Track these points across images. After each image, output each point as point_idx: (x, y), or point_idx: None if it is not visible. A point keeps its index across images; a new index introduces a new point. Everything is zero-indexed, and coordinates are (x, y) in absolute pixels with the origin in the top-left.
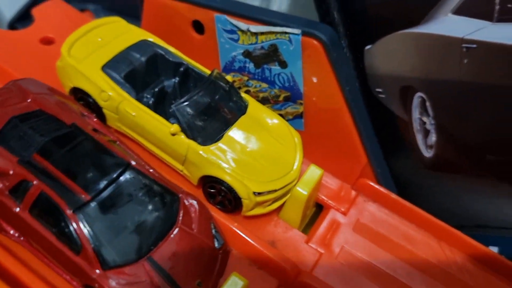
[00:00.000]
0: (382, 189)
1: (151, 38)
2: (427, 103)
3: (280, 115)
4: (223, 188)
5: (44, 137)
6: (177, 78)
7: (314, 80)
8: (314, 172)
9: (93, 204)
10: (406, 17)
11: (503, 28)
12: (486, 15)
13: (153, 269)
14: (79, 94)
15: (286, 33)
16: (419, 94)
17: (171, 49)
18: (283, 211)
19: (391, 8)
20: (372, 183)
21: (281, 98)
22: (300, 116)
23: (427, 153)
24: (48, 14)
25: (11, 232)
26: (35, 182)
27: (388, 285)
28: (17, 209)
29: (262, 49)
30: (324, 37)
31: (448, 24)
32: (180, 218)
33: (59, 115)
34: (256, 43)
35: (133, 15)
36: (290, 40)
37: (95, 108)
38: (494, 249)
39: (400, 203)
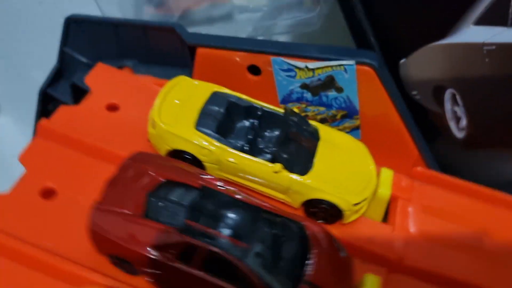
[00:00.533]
0: (432, 172)
1: (218, 89)
2: (457, 96)
3: (339, 130)
4: (325, 206)
5: (184, 204)
6: (254, 120)
7: (369, 99)
8: (387, 173)
9: (250, 250)
10: (433, 32)
11: None
12: (501, 22)
13: None
14: (177, 155)
15: (341, 65)
16: (449, 90)
17: (239, 95)
18: (369, 210)
19: (419, 28)
20: (424, 169)
21: (338, 117)
22: (356, 128)
23: (460, 135)
24: (100, 81)
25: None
26: (200, 244)
27: (462, 250)
28: (189, 270)
29: (319, 81)
30: (374, 63)
31: (471, 33)
32: (311, 241)
33: (185, 180)
34: (313, 76)
35: (169, 64)
36: (345, 70)
37: (195, 163)
38: None
39: (450, 180)
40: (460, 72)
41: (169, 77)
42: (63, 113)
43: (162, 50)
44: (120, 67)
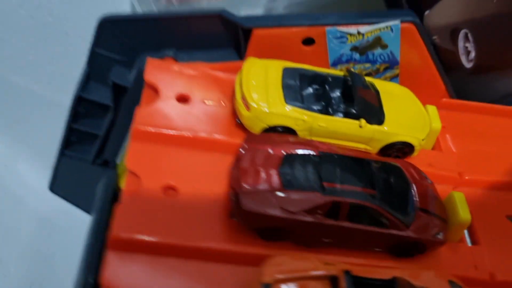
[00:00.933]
0: (458, 100)
1: (285, 64)
2: (469, 34)
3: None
4: (397, 147)
5: (316, 171)
6: (322, 85)
7: (409, 51)
8: (432, 109)
9: (378, 195)
10: None
11: None
12: None
13: (424, 213)
14: (270, 130)
15: (388, 26)
16: (463, 31)
17: (302, 65)
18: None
19: None
20: (450, 99)
21: (381, 70)
22: (396, 76)
23: (469, 65)
24: (160, 75)
25: (326, 241)
26: (342, 200)
27: (499, 157)
28: (338, 223)
29: (367, 42)
30: (416, 20)
31: None
32: (409, 177)
33: (303, 151)
34: (362, 39)
35: (209, 47)
36: (391, 29)
37: (288, 133)
38: None
39: (471, 104)
40: (473, 14)
41: (215, 60)
42: (143, 114)
43: (202, 35)
44: (161, 58)
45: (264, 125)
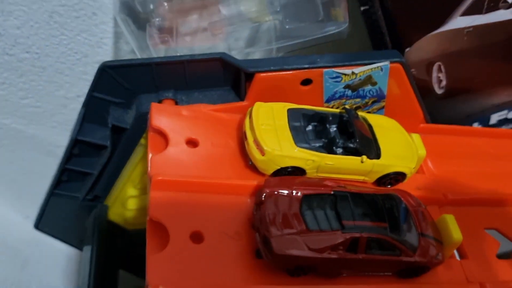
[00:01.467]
0: (433, 125)
1: (288, 105)
2: (442, 66)
3: (368, 112)
4: (391, 176)
5: (331, 209)
6: (321, 123)
7: (395, 86)
8: (417, 137)
9: (389, 226)
10: (431, 26)
11: (487, 16)
12: (479, 12)
13: (425, 237)
14: (281, 172)
15: (378, 66)
16: (437, 63)
17: (303, 106)
18: None
19: (421, 24)
20: (427, 124)
21: (369, 103)
22: (382, 108)
23: (440, 91)
24: (166, 120)
25: (346, 272)
26: (359, 236)
27: (477, 175)
28: (357, 257)
29: (359, 80)
30: (403, 60)
31: (457, 22)
32: (407, 204)
33: (318, 191)
34: (355, 78)
35: (207, 87)
36: (381, 69)
37: (298, 172)
38: (475, 124)
39: (445, 128)
40: (446, 50)
41: (213, 99)
42: (158, 162)
43: (200, 76)
44: (160, 101)
45: (277, 167)
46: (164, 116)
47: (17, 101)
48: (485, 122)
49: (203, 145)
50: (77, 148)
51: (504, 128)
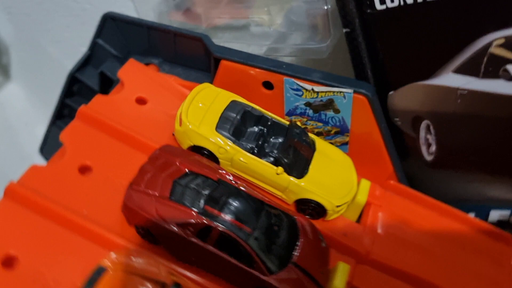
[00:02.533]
0: (402, 185)
1: (237, 98)
2: (431, 127)
3: (331, 143)
4: (312, 205)
5: (205, 192)
6: (263, 128)
7: (360, 121)
8: (365, 184)
9: (254, 234)
10: (420, 74)
11: (484, 82)
12: (474, 74)
13: (298, 269)
14: (197, 150)
15: (341, 92)
16: (425, 121)
17: (253, 105)
18: (347, 211)
19: (409, 69)
20: (395, 183)
21: (332, 132)
22: (346, 143)
23: (429, 158)
24: (132, 75)
25: (192, 259)
26: (215, 226)
27: (418, 251)
28: (204, 246)
29: (321, 102)
30: (369, 93)
31: (449, 79)
32: (301, 232)
33: (205, 173)
34: (316, 97)
35: (191, 66)
36: (344, 96)
37: (212, 158)
38: (472, 214)
39: (415, 193)
40: (436, 108)
41: (190, 78)
42: (99, 101)
43: (186, 54)
44: (147, 64)
45: (190, 142)
46: (132, 72)
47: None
48: (483, 216)
49: (149, 106)
50: (77, 86)
51: (478, 220)
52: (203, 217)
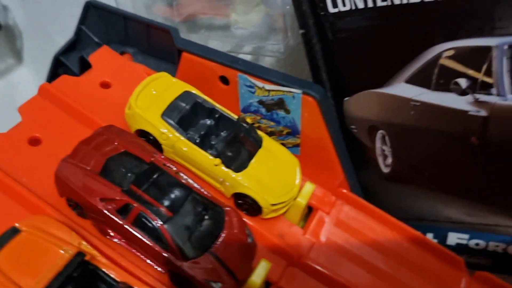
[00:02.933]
0: (353, 195)
1: (191, 89)
2: (386, 137)
3: (283, 143)
4: (249, 200)
5: (134, 172)
6: (212, 121)
7: (309, 123)
8: (308, 187)
9: (173, 218)
10: (373, 81)
11: (436, 95)
12: (426, 85)
13: (214, 259)
14: (143, 134)
15: (291, 92)
16: (381, 131)
17: (206, 97)
18: (288, 213)
19: (362, 74)
20: (346, 191)
21: (284, 133)
22: (297, 145)
23: (385, 170)
24: (102, 61)
25: (116, 237)
26: (135, 205)
27: (359, 263)
28: (123, 223)
29: (272, 100)
30: (318, 96)
31: (402, 88)
32: (226, 224)
33: (140, 155)
34: (268, 95)
35: (164, 59)
36: (293, 96)
37: (154, 143)
38: (430, 235)
39: (366, 204)
40: (391, 118)
41: (159, 69)
42: (64, 81)
43: (158, 45)
44: (122, 53)
45: (137, 126)
46: (102, 58)
47: None
48: (440, 238)
49: (112, 90)
50: (62, 69)
51: (431, 240)
52: (126, 195)
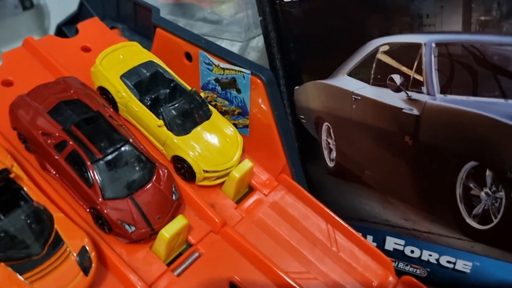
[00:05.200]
0: (294, 182)
1: (156, 60)
2: (331, 130)
3: (234, 123)
4: (185, 165)
5: (79, 116)
6: (168, 90)
7: (257, 105)
8: (246, 163)
9: (103, 161)
10: (321, 72)
11: (375, 89)
12: (365, 79)
13: (133, 204)
14: (103, 91)
15: (241, 71)
16: (326, 123)
17: (168, 69)
18: (224, 186)
19: (312, 65)
20: (288, 178)
21: (236, 112)
22: (246, 126)
23: (330, 164)
24: (89, 29)
25: (51, 171)
26: (70, 143)
27: (283, 245)
28: (57, 158)
29: (226, 79)
30: (264, 78)
31: (345, 81)
32: (154, 178)
33: (89, 103)
34: (223, 74)
35: (148, 37)
36: (243, 76)
37: (112, 102)
38: (369, 238)
39: (304, 193)
40: (335, 110)
41: (142, 46)
42: (48, 39)
43: (144, 24)
44: (113, 27)
45: (98, 83)
46: (90, 26)
47: None
48: (379, 242)
49: (91, 54)
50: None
51: (361, 237)
52: (65, 133)
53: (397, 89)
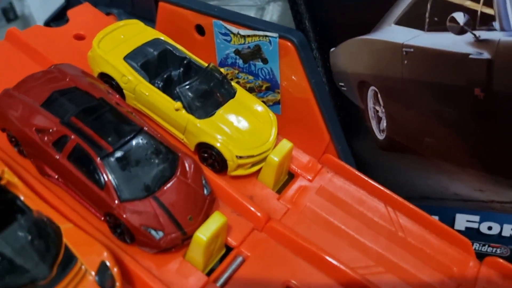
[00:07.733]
0: (341, 162)
1: (163, 37)
2: (379, 95)
3: (263, 101)
4: (213, 152)
5: (79, 106)
6: (182, 69)
7: (289, 75)
8: (285, 144)
9: (114, 155)
10: (361, 26)
11: (432, 36)
12: (419, 26)
13: (157, 204)
14: (105, 78)
15: (267, 36)
16: (372, 87)
17: (178, 46)
18: (261, 174)
19: (349, 19)
20: (333, 158)
21: (263, 88)
22: (278, 102)
23: (380, 136)
24: (80, 16)
25: (53, 175)
26: (72, 137)
27: (341, 236)
28: (58, 157)
29: (248, 48)
30: (295, 40)
31: (392, 32)
32: (178, 170)
33: (90, 91)
34: (244, 43)
35: (149, 19)
36: (270, 42)
37: (117, 89)
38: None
39: (355, 174)
40: (382, 70)
41: None
42: (34, 30)
43: (142, 6)
44: (108, 14)
45: (98, 69)
46: (81, 13)
47: None
48: (448, 221)
49: (87, 42)
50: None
51: (433, 218)
52: (64, 127)
53: (460, 31)
